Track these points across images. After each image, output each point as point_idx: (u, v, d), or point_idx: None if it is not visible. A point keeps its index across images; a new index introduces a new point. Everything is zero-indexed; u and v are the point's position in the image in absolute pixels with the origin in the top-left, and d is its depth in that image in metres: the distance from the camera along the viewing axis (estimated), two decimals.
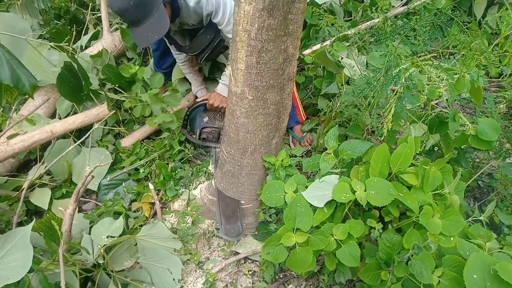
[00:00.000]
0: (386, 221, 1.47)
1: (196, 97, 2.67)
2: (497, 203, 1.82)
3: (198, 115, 2.40)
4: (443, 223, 1.27)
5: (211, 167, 2.33)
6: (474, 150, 1.89)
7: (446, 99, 1.30)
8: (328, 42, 2.48)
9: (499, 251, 1.28)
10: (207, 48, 2.25)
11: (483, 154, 2.05)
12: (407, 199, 1.30)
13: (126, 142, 2.41)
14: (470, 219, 1.56)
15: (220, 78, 2.26)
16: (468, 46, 1.47)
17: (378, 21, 2.34)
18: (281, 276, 1.83)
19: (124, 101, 2.37)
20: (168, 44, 2.42)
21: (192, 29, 2.23)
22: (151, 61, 2.77)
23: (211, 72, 2.81)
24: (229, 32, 2.04)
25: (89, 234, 1.70)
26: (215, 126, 2.37)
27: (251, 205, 1.96)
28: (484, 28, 1.62)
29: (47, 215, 1.56)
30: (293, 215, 1.41)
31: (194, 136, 2.42)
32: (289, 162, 1.83)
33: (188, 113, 2.39)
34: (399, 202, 1.33)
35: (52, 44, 1.98)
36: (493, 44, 1.69)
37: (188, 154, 2.38)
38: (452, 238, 1.26)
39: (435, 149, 1.70)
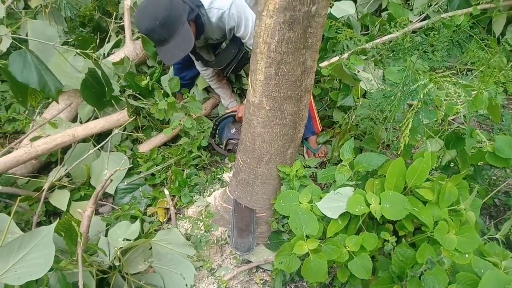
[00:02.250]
0: (400, 235, 1.47)
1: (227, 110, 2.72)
2: None
3: (226, 125, 2.45)
4: (458, 239, 1.27)
5: (225, 175, 2.36)
6: (491, 167, 1.88)
7: (464, 115, 1.30)
8: (345, 55, 2.50)
9: None
10: (233, 61, 2.31)
11: (500, 171, 2.03)
12: (422, 214, 1.30)
13: (144, 147, 2.46)
14: (485, 237, 1.55)
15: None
16: (486, 63, 1.47)
17: (396, 36, 2.36)
18: (292, 286, 1.84)
19: (143, 108, 2.43)
20: (195, 61, 2.49)
21: (215, 43, 2.30)
22: (171, 70, 2.84)
23: (235, 82, 2.88)
24: (252, 45, 2.09)
25: (106, 236, 1.74)
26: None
27: (264, 214, 1.97)
28: (503, 45, 1.63)
29: (66, 216, 1.61)
30: (298, 223, 1.43)
31: (221, 146, 2.46)
32: (304, 173, 1.85)
33: (217, 123, 2.44)
34: (413, 216, 1.33)
35: (78, 50, 2.06)
36: None
37: (204, 161, 2.42)
38: (467, 255, 1.26)
39: (451, 165, 1.70)
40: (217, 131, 2.50)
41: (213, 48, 2.47)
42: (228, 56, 2.29)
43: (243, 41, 2.15)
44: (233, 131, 2.41)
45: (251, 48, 2.16)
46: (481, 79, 1.40)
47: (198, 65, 2.55)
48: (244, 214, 1.96)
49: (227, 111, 2.51)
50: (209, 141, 2.47)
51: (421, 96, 1.23)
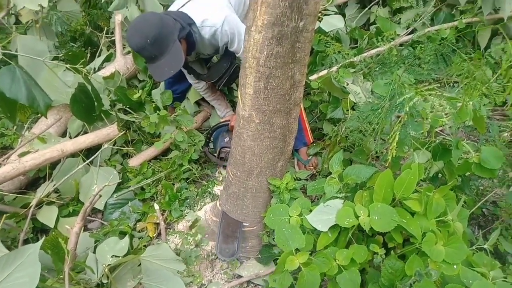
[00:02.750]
0: (390, 247, 1.48)
1: None
2: (501, 232, 1.81)
3: (221, 134, 2.48)
4: (446, 250, 1.27)
5: (216, 188, 2.36)
6: (478, 177, 1.90)
7: (449, 127, 1.33)
8: (334, 68, 2.54)
9: (503, 280, 1.28)
10: (225, 75, 2.33)
11: (487, 181, 2.05)
12: (410, 225, 1.31)
13: (134, 162, 2.45)
14: (474, 247, 1.56)
15: None
16: (470, 76, 1.51)
17: (383, 50, 2.40)
18: None
19: (133, 122, 2.43)
20: (187, 74, 2.50)
21: (207, 57, 2.32)
22: (162, 84, 2.85)
23: (227, 94, 2.92)
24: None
25: (94, 253, 1.72)
26: None
27: (255, 227, 1.97)
28: (487, 59, 1.67)
29: (54, 233, 1.58)
30: (284, 239, 1.42)
31: (215, 154, 2.48)
32: (294, 185, 1.85)
33: (211, 131, 2.47)
34: (402, 228, 1.34)
35: (67, 66, 2.06)
36: (497, 74, 1.73)
37: (195, 174, 2.42)
38: (455, 266, 1.26)
39: (439, 175, 1.72)
40: (212, 139, 2.51)
41: (206, 62, 2.49)
42: (220, 70, 2.31)
43: (237, 55, 2.17)
44: (226, 139, 2.42)
45: None
46: (465, 92, 1.43)
47: (190, 79, 2.56)
48: (231, 220, 1.95)
49: (222, 120, 2.53)
50: (203, 149, 2.47)
51: (407, 109, 1.25)
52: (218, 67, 2.31)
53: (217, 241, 1.89)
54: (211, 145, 2.61)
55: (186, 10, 2.05)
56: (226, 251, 1.87)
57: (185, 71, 2.47)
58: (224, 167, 2.50)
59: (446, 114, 1.25)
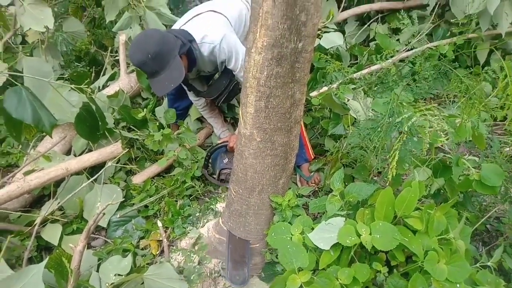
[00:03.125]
0: (393, 265, 1.47)
1: (219, 139, 2.76)
2: (505, 248, 1.80)
3: (219, 156, 2.47)
4: (448, 269, 1.27)
5: (219, 205, 2.36)
6: (481, 193, 1.90)
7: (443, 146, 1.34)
8: (334, 85, 2.57)
9: None
10: (224, 92, 2.38)
11: (490, 197, 2.05)
12: (412, 243, 1.31)
13: (137, 179, 2.47)
14: (478, 265, 1.55)
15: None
16: (469, 93, 1.53)
17: (382, 67, 2.44)
18: None
19: (137, 139, 2.46)
20: (188, 91, 2.55)
21: (208, 75, 2.36)
22: (165, 101, 2.89)
23: (228, 112, 2.95)
24: (242, 77, 2.16)
25: (97, 271, 1.72)
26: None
27: (258, 245, 1.97)
28: (485, 76, 1.69)
29: (57, 251, 1.59)
30: (288, 257, 1.42)
31: (214, 176, 2.48)
32: (296, 202, 1.86)
33: (209, 153, 2.47)
34: (404, 246, 1.34)
35: (72, 86, 2.11)
36: (496, 89, 1.75)
37: (197, 191, 2.43)
38: (458, 285, 1.26)
39: (441, 192, 1.72)
40: (210, 161, 2.51)
41: (206, 80, 2.53)
42: (220, 87, 2.35)
43: (234, 73, 2.22)
44: (225, 161, 2.43)
45: (241, 79, 2.23)
46: (463, 110, 1.45)
47: (191, 95, 2.60)
48: (238, 245, 1.95)
49: (219, 141, 2.54)
50: (202, 172, 2.48)
51: (406, 128, 1.27)
52: (217, 84, 2.36)
53: (227, 267, 1.88)
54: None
55: (187, 28, 2.11)
56: (237, 278, 1.86)
57: (185, 88, 2.51)
58: (226, 188, 2.51)
59: (444, 132, 1.26)
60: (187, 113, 2.91)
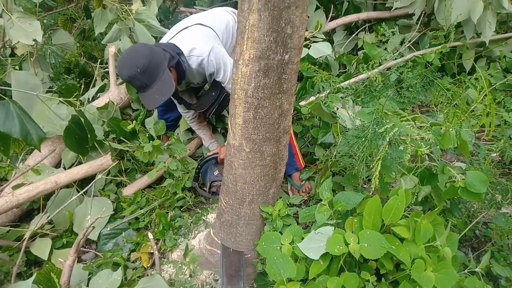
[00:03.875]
0: (382, 273, 1.48)
1: (209, 151, 2.77)
2: (493, 254, 1.82)
3: (209, 168, 2.48)
4: (436, 276, 1.28)
5: (210, 216, 2.36)
6: (467, 200, 1.93)
7: (431, 153, 1.36)
8: (323, 94, 2.60)
9: None
10: (214, 104, 2.38)
11: (478, 203, 2.08)
12: (400, 251, 1.33)
13: (128, 191, 2.46)
14: (466, 271, 1.57)
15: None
16: (453, 101, 1.56)
17: (369, 76, 2.48)
18: None
19: (127, 151, 2.45)
20: (177, 104, 2.55)
21: (197, 87, 2.37)
22: (155, 112, 2.90)
23: (218, 122, 2.95)
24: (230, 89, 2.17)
25: (87, 286, 1.70)
26: None
27: (249, 255, 1.97)
28: (469, 84, 1.72)
29: (47, 266, 1.58)
30: (276, 269, 1.43)
31: (205, 189, 2.47)
32: (287, 212, 1.87)
33: (199, 166, 2.47)
34: (392, 254, 1.35)
35: (61, 99, 2.10)
36: (481, 97, 1.78)
37: (189, 202, 2.43)
38: None
39: (428, 199, 1.74)
40: (200, 173, 2.51)
41: (195, 91, 2.54)
42: (210, 99, 2.36)
43: (223, 85, 2.23)
44: (216, 173, 2.43)
45: (230, 91, 2.24)
46: (446, 118, 1.48)
47: (180, 108, 2.61)
48: (233, 259, 1.95)
49: (209, 153, 2.54)
50: (193, 184, 2.48)
51: (388, 138, 1.29)
52: (207, 96, 2.37)
53: (222, 283, 1.88)
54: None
55: (174, 41, 2.12)
56: None
57: (175, 101, 2.51)
58: (217, 200, 2.50)
59: (426, 141, 1.28)
60: (177, 124, 2.91)
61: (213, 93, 2.33)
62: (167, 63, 1.97)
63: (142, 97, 1.99)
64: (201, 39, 2.11)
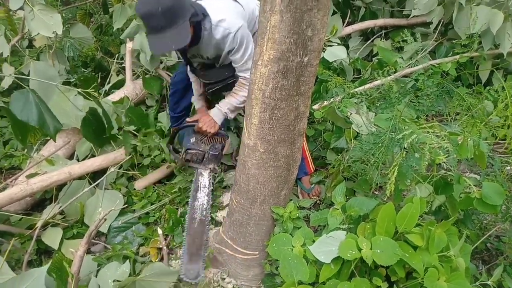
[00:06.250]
0: (393, 280, 1.48)
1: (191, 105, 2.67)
2: (505, 268, 1.80)
3: (186, 133, 2.36)
4: (448, 286, 1.28)
5: (219, 214, 2.37)
6: (481, 212, 1.91)
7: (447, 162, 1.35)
8: (337, 98, 2.59)
9: None
10: (219, 82, 2.29)
11: (490, 216, 2.05)
12: (413, 259, 1.32)
13: (139, 184, 2.48)
14: (477, 283, 1.55)
15: (218, 104, 2.26)
16: (470, 111, 1.55)
17: (383, 83, 2.47)
18: None
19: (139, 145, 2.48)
20: (184, 62, 2.42)
21: (208, 63, 2.28)
22: (167, 107, 2.91)
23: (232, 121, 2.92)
24: (241, 71, 2.12)
25: (96, 277, 1.72)
26: (200, 149, 2.27)
27: (258, 255, 1.97)
28: (487, 95, 1.71)
29: (58, 255, 1.60)
30: (289, 270, 1.43)
31: (180, 154, 2.35)
32: (297, 214, 1.87)
33: (177, 129, 2.38)
34: (405, 262, 1.34)
35: (79, 90, 2.12)
36: (496, 109, 1.77)
37: None
38: None
39: (441, 209, 1.73)
40: (177, 136, 2.41)
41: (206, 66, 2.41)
42: (220, 75, 2.27)
43: (234, 65, 2.13)
44: (192, 140, 2.29)
45: (239, 74, 2.14)
46: (464, 128, 1.47)
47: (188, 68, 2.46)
48: (196, 236, 1.93)
49: (190, 119, 2.39)
50: (167, 146, 2.39)
51: (406, 145, 1.29)
52: (219, 72, 2.27)
53: (183, 261, 1.85)
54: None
55: (204, 4, 2.02)
56: (191, 272, 1.82)
57: (182, 58, 2.38)
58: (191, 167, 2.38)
59: (445, 149, 1.28)
60: (188, 114, 2.85)
61: (226, 73, 2.23)
62: (189, 16, 1.85)
63: (153, 39, 1.86)
64: (234, 13, 2.03)
